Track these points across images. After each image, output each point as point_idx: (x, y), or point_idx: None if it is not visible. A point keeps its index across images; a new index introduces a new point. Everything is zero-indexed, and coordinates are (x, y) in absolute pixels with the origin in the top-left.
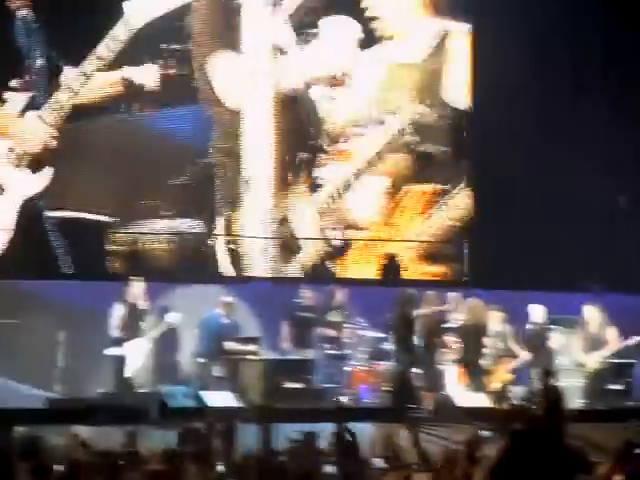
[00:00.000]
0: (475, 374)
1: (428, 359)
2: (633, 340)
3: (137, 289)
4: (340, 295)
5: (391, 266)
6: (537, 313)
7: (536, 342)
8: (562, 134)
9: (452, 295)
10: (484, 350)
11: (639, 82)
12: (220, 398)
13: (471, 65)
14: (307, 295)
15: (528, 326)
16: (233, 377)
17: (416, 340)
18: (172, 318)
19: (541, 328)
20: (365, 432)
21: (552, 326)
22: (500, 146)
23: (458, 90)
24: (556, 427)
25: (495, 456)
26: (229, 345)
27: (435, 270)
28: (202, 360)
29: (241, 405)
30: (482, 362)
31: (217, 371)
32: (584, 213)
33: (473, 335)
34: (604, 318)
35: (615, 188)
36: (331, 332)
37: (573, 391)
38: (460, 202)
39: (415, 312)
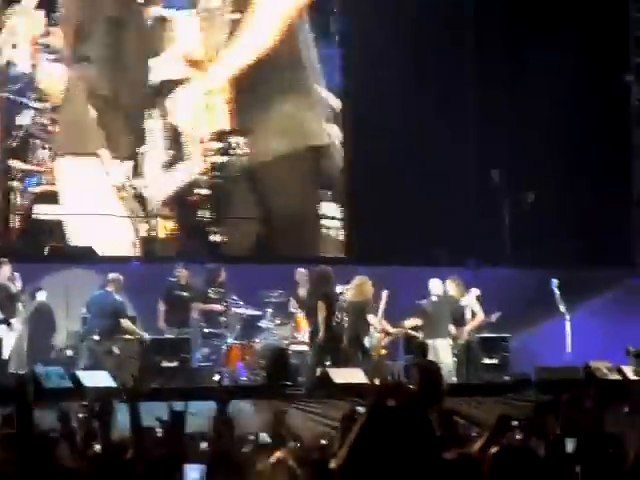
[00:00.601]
0: (359, 350)
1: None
2: (496, 315)
3: (5, 271)
4: (216, 273)
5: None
6: (436, 287)
7: (436, 315)
8: (431, 112)
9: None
10: (369, 327)
11: (506, 66)
12: (96, 378)
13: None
14: (182, 274)
15: (428, 300)
16: (109, 357)
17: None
18: (41, 296)
19: (440, 301)
20: (247, 410)
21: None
22: (372, 128)
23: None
24: (427, 402)
25: (354, 432)
26: (125, 323)
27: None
28: (96, 338)
29: (117, 385)
30: (367, 339)
31: (94, 351)
32: (457, 190)
33: (359, 312)
34: (465, 290)
35: (488, 164)
36: (207, 310)
37: (449, 365)
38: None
39: (336, 291)
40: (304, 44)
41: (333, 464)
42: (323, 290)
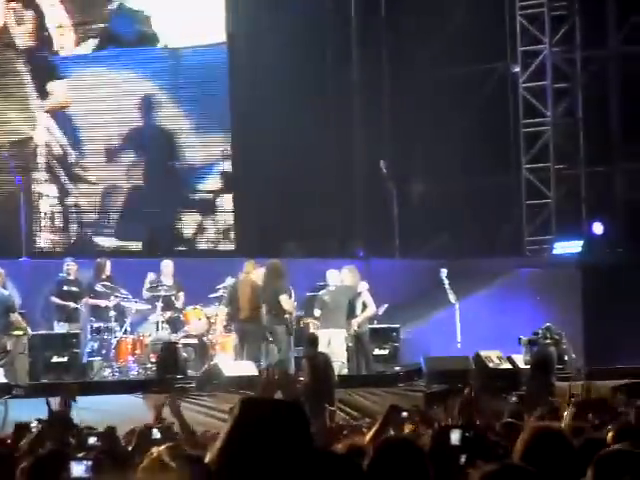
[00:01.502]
0: None
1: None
2: (383, 307)
3: None
4: (102, 267)
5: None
6: (333, 277)
7: (332, 306)
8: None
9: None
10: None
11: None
12: None
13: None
14: (71, 268)
15: (326, 290)
16: (1, 352)
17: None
18: None
19: (337, 291)
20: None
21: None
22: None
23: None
24: (318, 393)
25: (226, 427)
26: (15, 317)
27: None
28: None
29: (9, 381)
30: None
31: None
32: (345, 181)
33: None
34: (359, 281)
35: (377, 154)
36: (97, 305)
37: (342, 357)
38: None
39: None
40: None
41: (207, 458)
42: (275, 283)
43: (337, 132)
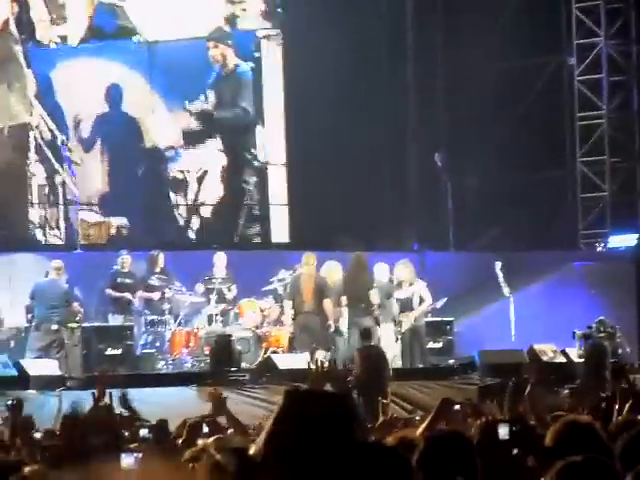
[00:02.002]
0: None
1: None
2: (441, 301)
3: None
4: (155, 259)
5: None
6: (382, 271)
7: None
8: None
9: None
10: None
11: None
12: (42, 366)
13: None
14: (125, 261)
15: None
16: (57, 344)
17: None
18: None
19: (386, 285)
20: (189, 395)
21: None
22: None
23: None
24: (371, 386)
25: (271, 418)
26: (76, 309)
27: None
28: (54, 327)
29: (64, 373)
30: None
31: (41, 339)
32: (399, 175)
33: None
34: (415, 275)
35: (432, 147)
36: (151, 297)
37: (395, 350)
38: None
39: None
40: None
41: (252, 450)
42: (364, 276)
43: (392, 126)
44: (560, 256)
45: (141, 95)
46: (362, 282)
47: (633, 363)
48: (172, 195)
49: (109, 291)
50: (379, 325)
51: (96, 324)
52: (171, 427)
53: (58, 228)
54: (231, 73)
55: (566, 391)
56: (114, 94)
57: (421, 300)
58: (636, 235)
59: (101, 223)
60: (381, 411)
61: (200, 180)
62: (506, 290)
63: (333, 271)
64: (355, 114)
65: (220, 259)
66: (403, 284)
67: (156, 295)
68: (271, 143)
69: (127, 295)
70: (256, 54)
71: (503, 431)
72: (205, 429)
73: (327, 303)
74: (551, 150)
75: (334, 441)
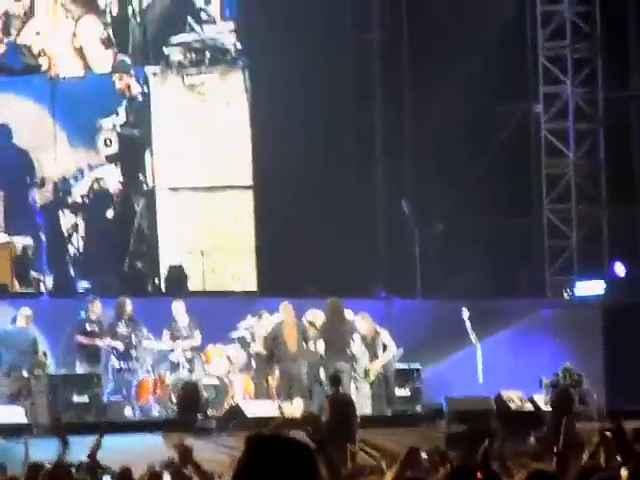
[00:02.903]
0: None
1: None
2: (399, 351)
3: None
4: (127, 307)
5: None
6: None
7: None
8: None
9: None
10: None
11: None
12: (9, 414)
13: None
14: (95, 308)
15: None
16: (26, 391)
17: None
18: None
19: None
20: (156, 442)
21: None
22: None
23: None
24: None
25: (235, 464)
26: (42, 358)
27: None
28: (24, 373)
29: (30, 420)
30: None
31: (11, 386)
32: (366, 221)
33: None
34: (374, 327)
35: (398, 195)
36: (118, 344)
37: (363, 397)
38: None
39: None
40: None
41: None
42: (344, 323)
43: (359, 171)
44: (527, 304)
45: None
46: (342, 329)
47: (600, 410)
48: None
49: (79, 338)
50: (354, 372)
51: (63, 372)
52: (135, 475)
53: None
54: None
55: (532, 439)
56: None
57: (385, 348)
58: (602, 283)
59: (7, 243)
60: (349, 458)
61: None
62: (473, 337)
63: (318, 317)
64: (322, 159)
65: (177, 307)
66: (365, 336)
67: (121, 345)
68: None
69: (97, 341)
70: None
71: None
72: (167, 479)
73: (308, 350)
74: (518, 197)
75: None
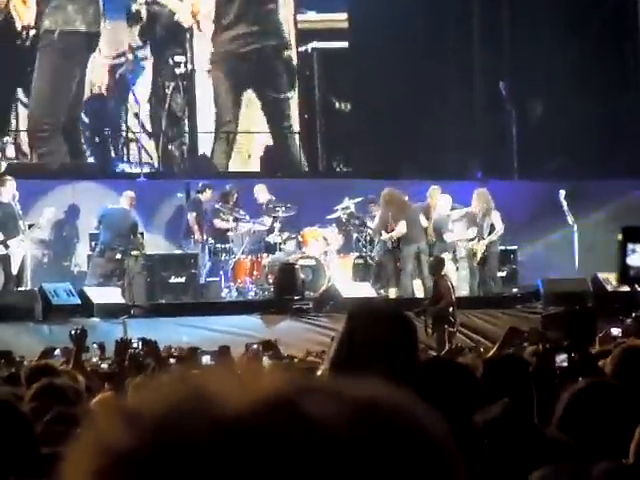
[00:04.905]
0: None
1: None
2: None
3: (9, 188)
4: (233, 196)
5: None
6: (443, 203)
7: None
8: (435, 25)
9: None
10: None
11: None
12: (106, 294)
13: None
14: (207, 194)
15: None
16: (120, 272)
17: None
18: (49, 214)
19: (444, 217)
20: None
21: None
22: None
23: None
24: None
25: (338, 336)
26: (141, 239)
27: None
28: (118, 255)
29: (127, 301)
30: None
31: (104, 266)
32: (464, 102)
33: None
34: (489, 203)
35: (496, 75)
36: (217, 225)
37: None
38: None
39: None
40: None
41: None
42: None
43: (457, 53)
44: (624, 184)
45: None
46: (410, 213)
47: None
48: None
49: (192, 217)
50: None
51: (160, 252)
52: (234, 354)
53: None
54: None
55: (630, 320)
56: None
57: (492, 228)
58: None
59: None
60: (447, 339)
61: None
62: (570, 219)
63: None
64: (422, 43)
65: (260, 190)
66: (477, 214)
67: (222, 224)
68: None
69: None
70: None
71: (561, 359)
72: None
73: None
74: (615, 77)
75: (398, 358)
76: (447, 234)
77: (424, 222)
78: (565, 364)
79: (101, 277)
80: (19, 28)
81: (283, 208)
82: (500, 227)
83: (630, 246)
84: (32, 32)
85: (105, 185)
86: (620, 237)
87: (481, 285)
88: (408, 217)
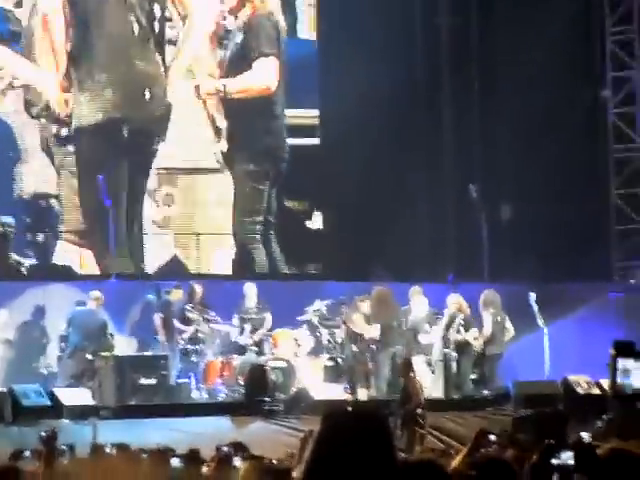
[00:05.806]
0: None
1: None
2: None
3: None
4: (198, 292)
5: None
6: (420, 304)
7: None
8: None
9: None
10: None
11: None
12: (76, 396)
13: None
14: (176, 294)
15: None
16: (90, 373)
17: None
18: (3, 316)
19: (423, 318)
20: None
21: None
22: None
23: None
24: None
25: (313, 442)
26: (111, 340)
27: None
28: (88, 356)
29: (96, 403)
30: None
31: (74, 367)
32: (434, 206)
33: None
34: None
35: (467, 178)
36: (187, 327)
37: (434, 380)
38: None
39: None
40: None
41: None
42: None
43: (427, 156)
44: (594, 287)
45: None
46: (391, 316)
47: None
48: None
49: (159, 319)
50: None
51: (131, 353)
52: (205, 456)
53: None
54: None
55: (599, 423)
56: None
57: (467, 328)
58: None
59: None
60: (417, 441)
61: None
62: (540, 321)
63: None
64: (391, 145)
65: (251, 289)
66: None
67: (192, 326)
68: None
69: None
70: None
71: (567, 456)
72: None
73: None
74: (586, 181)
75: (376, 460)
76: (422, 335)
77: (404, 325)
78: (571, 462)
79: (72, 378)
80: None
81: (254, 310)
82: (487, 330)
83: (621, 363)
84: None
85: (75, 287)
86: (612, 352)
87: (454, 388)
88: (388, 321)
